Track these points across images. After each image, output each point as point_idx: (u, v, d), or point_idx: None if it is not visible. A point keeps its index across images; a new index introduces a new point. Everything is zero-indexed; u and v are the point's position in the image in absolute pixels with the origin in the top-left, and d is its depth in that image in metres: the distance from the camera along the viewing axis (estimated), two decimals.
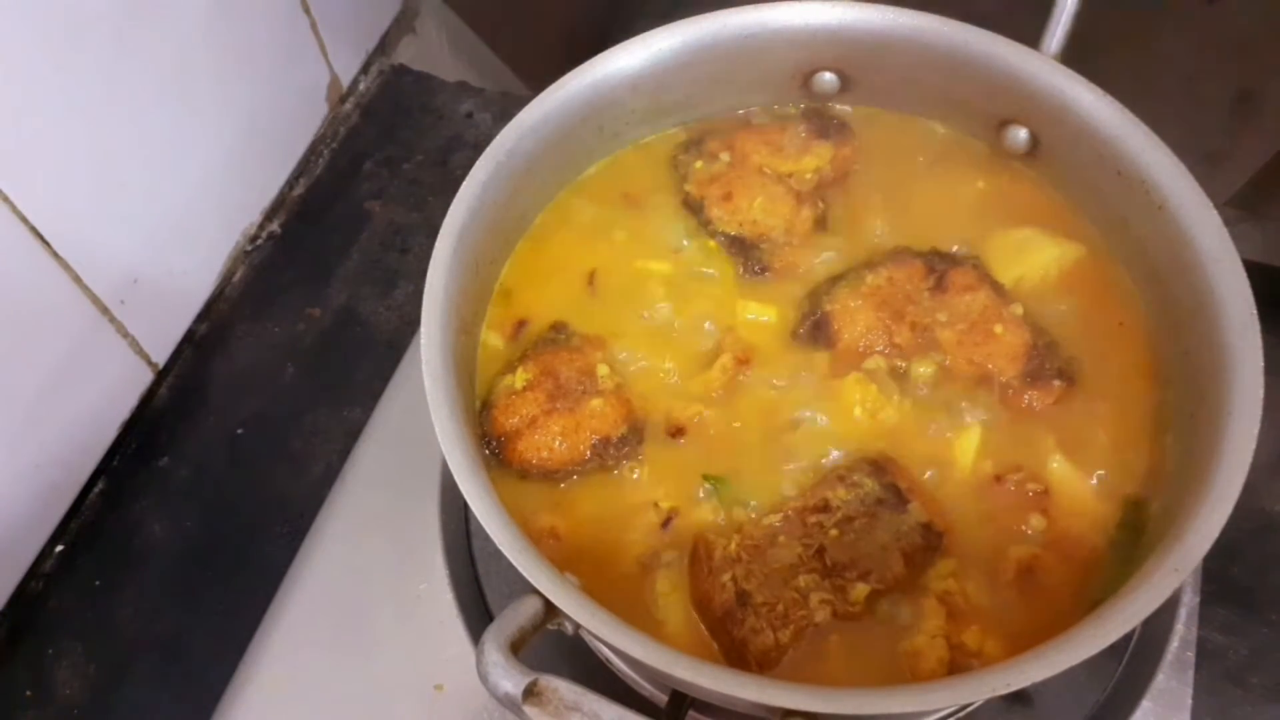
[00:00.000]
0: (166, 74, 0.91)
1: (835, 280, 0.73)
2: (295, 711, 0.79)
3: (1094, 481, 0.65)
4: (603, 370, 0.70)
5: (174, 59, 0.91)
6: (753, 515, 0.66)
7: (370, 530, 0.84)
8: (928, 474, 0.67)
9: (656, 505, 0.67)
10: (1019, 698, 0.78)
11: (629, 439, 0.68)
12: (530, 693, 0.52)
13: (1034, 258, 0.73)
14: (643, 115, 0.80)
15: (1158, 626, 0.77)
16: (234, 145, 1.03)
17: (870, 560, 0.62)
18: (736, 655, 0.61)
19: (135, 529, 0.95)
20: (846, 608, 0.61)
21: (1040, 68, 0.72)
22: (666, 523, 0.66)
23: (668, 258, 0.76)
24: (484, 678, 0.53)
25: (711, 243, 0.77)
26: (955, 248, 0.74)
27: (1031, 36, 0.73)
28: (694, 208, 0.78)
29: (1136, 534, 0.63)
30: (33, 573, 0.92)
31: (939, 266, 0.73)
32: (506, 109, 1.18)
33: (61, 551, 0.94)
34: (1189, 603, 0.77)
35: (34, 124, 0.79)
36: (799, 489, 0.66)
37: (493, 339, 0.74)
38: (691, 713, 0.72)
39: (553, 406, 0.68)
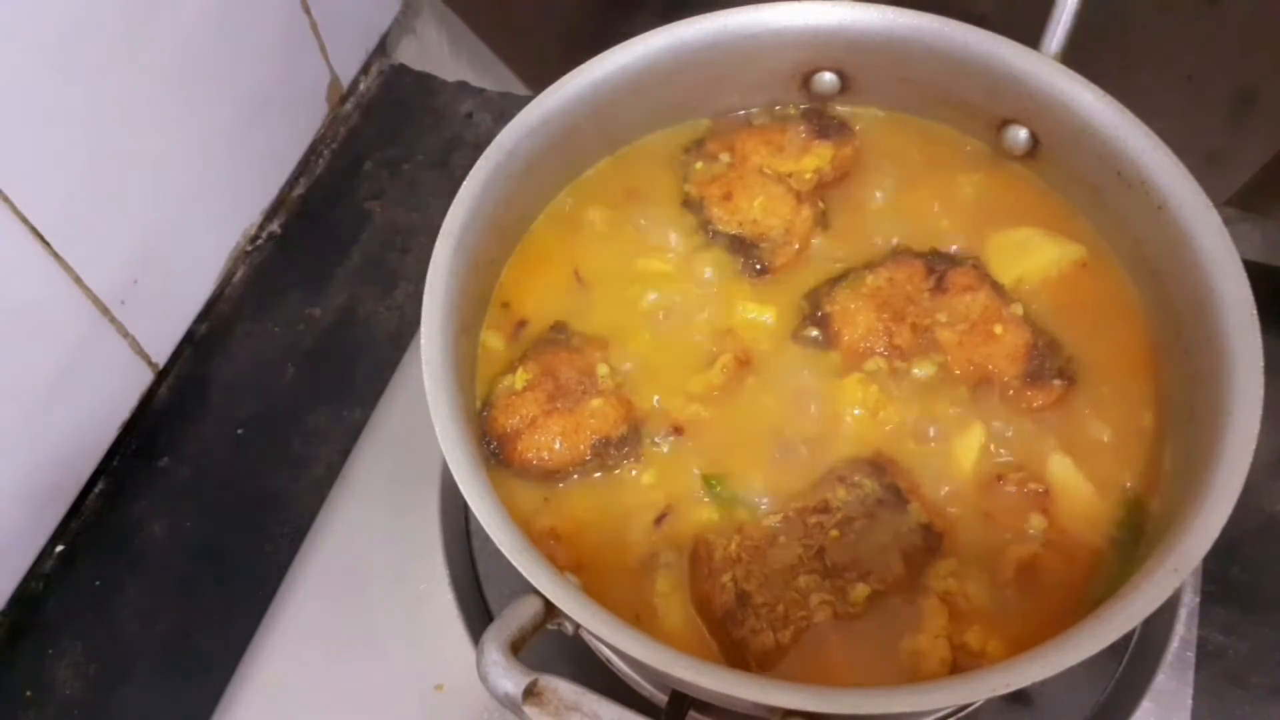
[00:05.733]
0: (166, 74, 0.91)
1: (835, 281, 0.73)
2: (295, 711, 0.79)
3: (1094, 481, 0.65)
4: (603, 370, 0.70)
5: (174, 59, 0.91)
6: (753, 516, 0.66)
7: (370, 530, 0.84)
8: (928, 474, 0.67)
9: (656, 505, 0.67)
10: (1019, 698, 0.78)
11: (629, 439, 0.68)
12: (530, 693, 0.52)
13: (1034, 258, 0.73)
14: (643, 115, 0.80)
15: (1158, 626, 0.77)
16: (234, 145, 1.03)
17: (870, 561, 0.62)
18: (737, 655, 0.61)
19: (135, 529, 0.95)
20: (846, 608, 0.61)
21: (1040, 68, 0.72)
22: (660, 520, 0.66)
23: (668, 258, 0.76)
24: (484, 678, 0.53)
25: (712, 243, 0.77)
26: (955, 248, 0.75)
27: (1031, 36, 0.73)
28: (694, 208, 0.78)
29: (1137, 534, 0.63)
30: (33, 573, 0.92)
31: (939, 267, 0.73)
32: (506, 109, 1.18)
33: (62, 552, 0.94)
34: (1189, 603, 0.77)
35: (34, 124, 0.79)
36: (799, 489, 0.66)
37: (493, 339, 0.74)
38: (691, 713, 0.72)
39: (553, 407, 0.68)
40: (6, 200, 0.77)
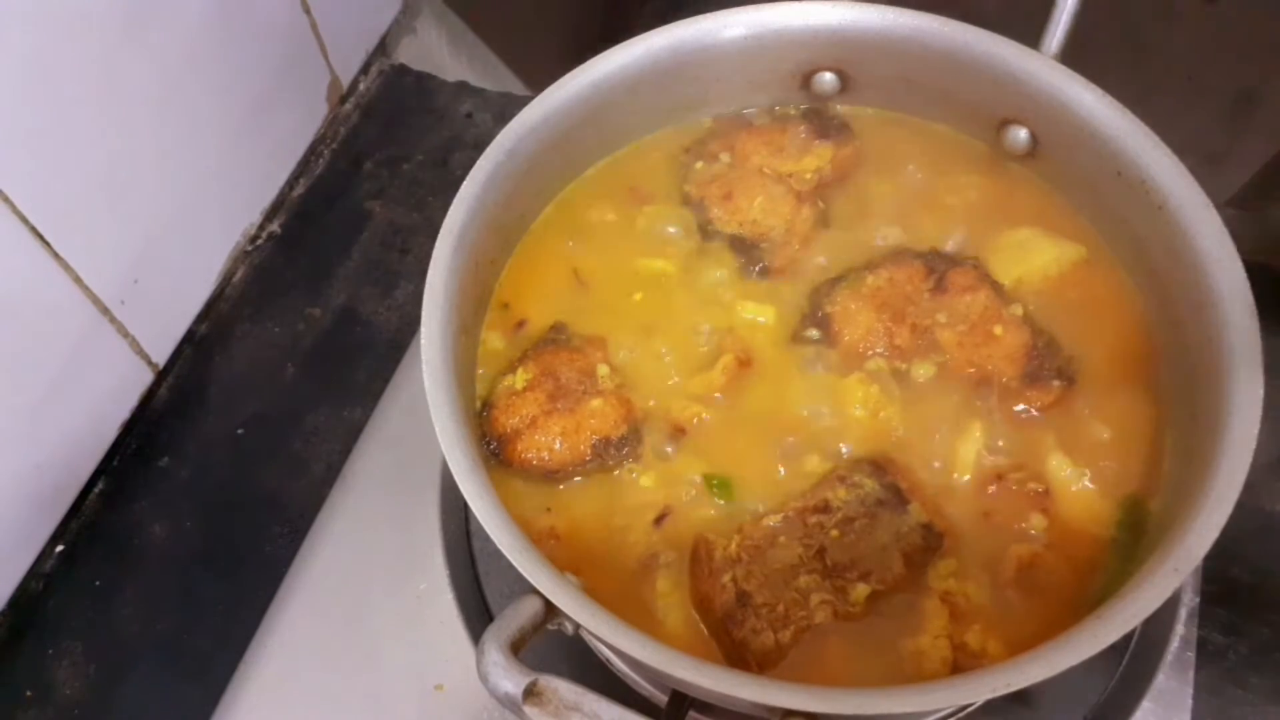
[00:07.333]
0: (167, 74, 0.91)
1: (835, 281, 0.73)
2: (295, 711, 0.79)
3: (1094, 481, 0.65)
4: (603, 370, 0.70)
5: (174, 59, 0.91)
6: (753, 516, 0.66)
7: (370, 530, 0.84)
8: (928, 474, 0.67)
9: (656, 505, 0.67)
10: (1019, 698, 0.78)
11: (629, 439, 0.68)
12: (530, 693, 0.52)
13: (1034, 258, 0.73)
14: (643, 116, 0.80)
15: (1158, 626, 0.77)
16: (234, 145, 1.03)
17: (870, 561, 0.62)
18: (737, 655, 0.61)
19: (135, 529, 0.95)
20: (847, 608, 0.61)
21: (1040, 68, 0.72)
22: (660, 520, 0.66)
23: (668, 258, 0.76)
24: (484, 678, 0.53)
25: (712, 243, 0.77)
26: (955, 248, 0.75)
27: (1031, 36, 0.73)
28: (694, 208, 0.78)
29: (1137, 533, 0.63)
30: (33, 573, 0.92)
31: (939, 267, 0.73)
32: (506, 109, 1.18)
33: (62, 551, 0.94)
34: (1189, 603, 0.77)
35: (34, 124, 0.79)
36: (799, 489, 0.66)
37: (493, 339, 0.74)
38: (691, 713, 0.72)
39: (553, 407, 0.68)
40: (6, 200, 0.77)
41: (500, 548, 0.56)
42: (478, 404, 0.71)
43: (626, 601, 0.63)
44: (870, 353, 0.70)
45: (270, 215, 1.12)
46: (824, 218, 0.77)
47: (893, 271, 0.73)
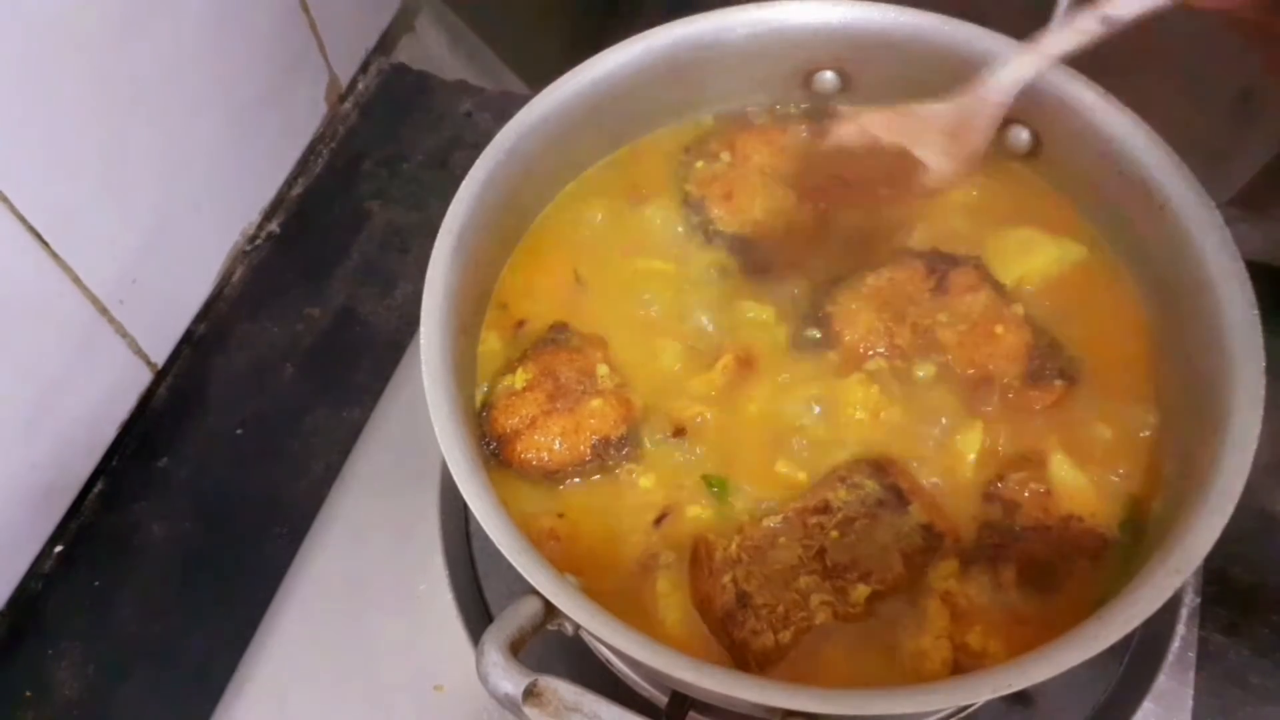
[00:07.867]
0: (166, 73, 0.91)
1: (836, 281, 0.73)
2: (295, 712, 0.79)
3: (1095, 481, 0.65)
4: (602, 370, 0.70)
5: (173, 58, 0.91)
6: (753, 516, 0.66)
7: (370, 530, 0.84)
8: (928, 475, 0.66)
9: (656, 506, 0.67)
10: (1020, 698, 0.78)
11: (629, 439, 0.68)
12: (530, 693, 0.52)
13: (1035, 258, 0.73)
14: (643, 115, 0.80)
15: (1159, 627, 0.77)
16: (233, 144, 1.03)
17: (871, 561, 0.62)
18: (737, 656, 0.61)
19: (134, 529, 0.95)
20: (847, 609, 0.61)
21: None
22: (660, 520, 0.66)
23: (668, 257, 0.76)
24: (484, 678, 0.53)
25: (712, 242, 0.76)
26: (956, 248, 0.74)
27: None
28: (695, 207, 0.78)
29: (1138, 534, 0.63)
30: (32, 573, 0.91)
31: (940, 267, 0.72)
32: (506, 108, 1.17)
33: (61, 552, 0.94)
34: (1190, 603, 0.77)
35: (33, 123, 0.79)
36: (799, 490, 0.66)
37: (492, 339, 0.74)
38: (692, 713, 0.72)
39: (552, 407, 0.68)
40: (5, 200, 0.77)
41: (500, 548, 0.56)
42: (477, 404, 0.71)
43: (626, 602, 0.63)
44: (870, 353, 0.70)
45: (269, 215, 1.12)
46: (824, 217, 0.77)
47: (893, 271, 0.73)
